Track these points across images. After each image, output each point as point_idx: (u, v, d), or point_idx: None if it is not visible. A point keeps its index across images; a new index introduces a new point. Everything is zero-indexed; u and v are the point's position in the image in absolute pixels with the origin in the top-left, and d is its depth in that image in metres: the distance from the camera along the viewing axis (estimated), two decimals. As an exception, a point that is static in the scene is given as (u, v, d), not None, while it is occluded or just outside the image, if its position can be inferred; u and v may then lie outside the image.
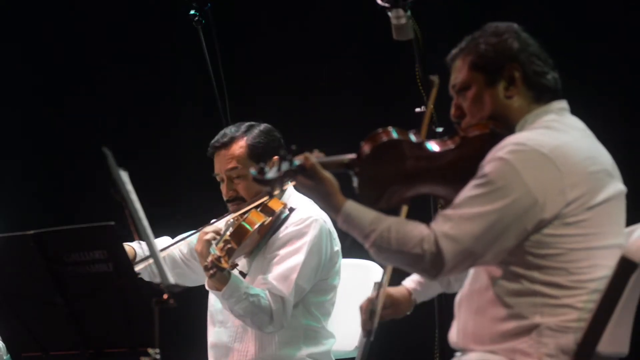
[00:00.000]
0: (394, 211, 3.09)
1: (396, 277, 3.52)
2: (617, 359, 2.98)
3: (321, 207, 3.03)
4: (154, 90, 6.11)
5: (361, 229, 2.94)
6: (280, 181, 2.97)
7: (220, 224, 4.13)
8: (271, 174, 2.95)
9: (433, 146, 3.03)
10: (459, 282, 3.19)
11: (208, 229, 4.04)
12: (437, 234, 2.86)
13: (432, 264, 2.87)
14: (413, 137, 3.05)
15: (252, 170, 2.97)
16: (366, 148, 3.02)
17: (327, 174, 2.98)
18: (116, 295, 3.30)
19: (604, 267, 2.91)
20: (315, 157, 3.01)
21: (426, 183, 3.04)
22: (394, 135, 3.02)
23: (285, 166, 2.95)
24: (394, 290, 3.48)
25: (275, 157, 2.89)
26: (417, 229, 2.89)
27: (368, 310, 3.37)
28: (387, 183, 3.02)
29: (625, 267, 2.88)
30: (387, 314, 3.44)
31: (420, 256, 2.87)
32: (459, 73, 3.08)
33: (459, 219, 2.86)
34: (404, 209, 3.12)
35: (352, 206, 2.96)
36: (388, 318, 3.46)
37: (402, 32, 3.71)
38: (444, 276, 2.94)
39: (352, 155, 3.03)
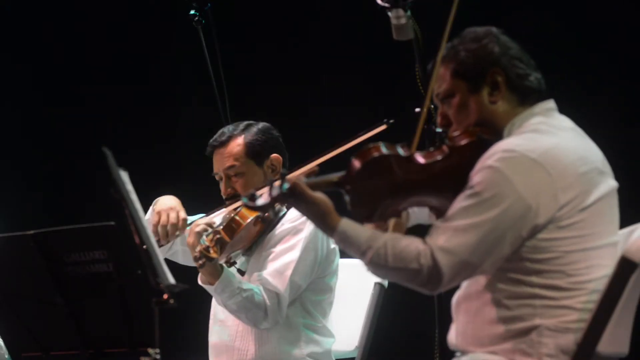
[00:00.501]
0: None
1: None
2: (617, 359, 2.99)
3: (317, 227, 3.02)
4: (154, 90, 6.11)
5: (357, 247, 2.93)
6: (271, 206, 2.98)
7: (217, 219, 4.14)
8: (261, 200, 2.96)
9: (421, 158, 3.01)
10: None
11: (200, 221, 4.04)
12: (433, 247, 2.86)
13: (430, 278, 2.86)
14: (401, 151, 3.02)
15: (243, 198, 3.00)
16: (355, 165, 3.00)
17: (318, 195, 2.97)
18: (116, 295, 3.30)
19: (602, 267, 2.91)
20: (304, 178, 3.00)
21: (418, 195, 3.02)
22: (383, 150, 3.01)
23: (275, 191, 2.96)
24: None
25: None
26: (413, 244, 2.89)
27: None
28: (379, 198, 3.01)
29: (625, 267, 2.88)
30: None
31: (418, 271, 2.87)
32: (442, 82, 3.06)
33: (454, 231, 2.86)
34: (392, 221, 3.12)
35: (347, 225, 2.95)
36: None
37: (402, 32, 3.71)
38: (443, 289, 2.93)
39: (342, 173, 3.02)
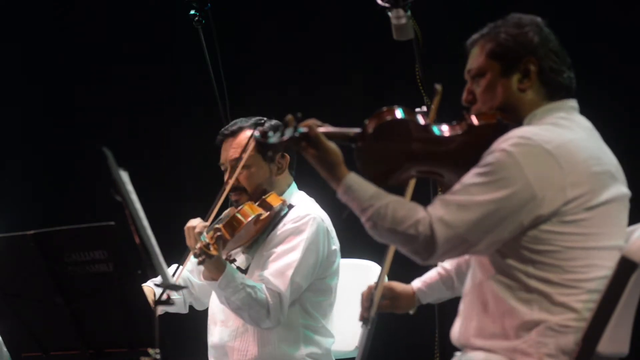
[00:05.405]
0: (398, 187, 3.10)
1: (405, 278, 3.52)
2: (617, 359, 2.99)
3: (323, 177, 3.00)
4: (154, 90, 6.11)
5: (360, 203, 2.95)
6: (282, 147, 2.98)
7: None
8: (274, 138, 2.96)
9: (439, 130, 3.04)
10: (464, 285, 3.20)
11: (193, 222, 4.01)
12: (433, 217, 2.88)
13: (425, 246, 2.88)
14: (420, 119, 3.05)
15: (256, 134, 2.98)
16: (370, 125, 3.02)
17: (332, 145, 2.98)
18: (116, 295, 3.30)
19: (602, 268, 2.91)
20: (319, 125, 3.01)
21: (428, 165, 3.05)
22: (400, 114, 3.03)
23: (289, 132, 2.96)
24: (399, 286, 3.48)
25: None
26: (414, 210, 2.90)
27: (368, 299, 3.38)
28: (389, 161, 3.03)
29: (625, 267, 2.88)
30: (384, 305, 3.45)
31: (414, 237, 2.88)
32: (476, 59, 3.09)
33: (457, 205, 2.87)
34: (412, 182, 3.12)
35: (353, 179, 2.97)
36: (386, 310, 3.46)
37: (402, 32, 3.71)
38: (435, 261, 2.95)
39: (358, 130, 3.04)
